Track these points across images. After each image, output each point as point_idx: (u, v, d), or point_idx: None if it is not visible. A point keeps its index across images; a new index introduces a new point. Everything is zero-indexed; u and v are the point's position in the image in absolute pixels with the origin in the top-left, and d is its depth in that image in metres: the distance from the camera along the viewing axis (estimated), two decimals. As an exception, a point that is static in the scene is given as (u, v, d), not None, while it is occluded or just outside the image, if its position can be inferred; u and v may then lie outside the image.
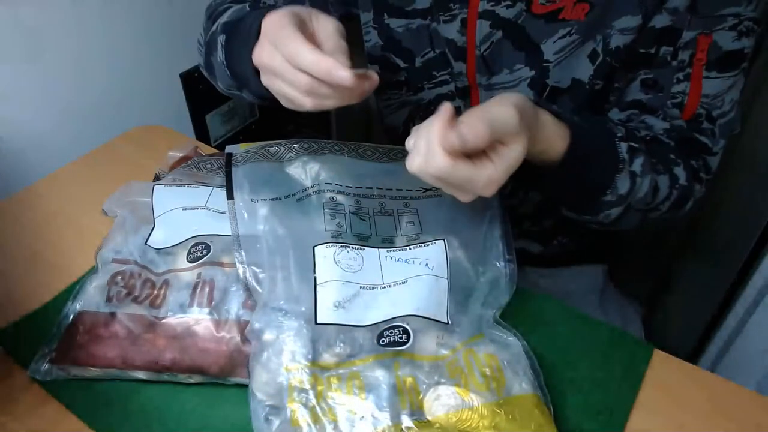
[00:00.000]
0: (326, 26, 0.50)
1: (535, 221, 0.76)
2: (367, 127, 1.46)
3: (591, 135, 0.57)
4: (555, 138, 0.53)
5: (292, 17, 0.49)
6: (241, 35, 0.56)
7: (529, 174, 0.55)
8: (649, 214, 0.63)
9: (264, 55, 0.49)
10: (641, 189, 0.58)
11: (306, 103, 0.49)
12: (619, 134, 0.59)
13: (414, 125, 0.48)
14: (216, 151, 0.77)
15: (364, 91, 0.49)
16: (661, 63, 0.61)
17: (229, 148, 0.60)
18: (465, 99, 0.75)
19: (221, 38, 0.61)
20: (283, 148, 0.59)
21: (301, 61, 0.46)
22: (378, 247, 0.55)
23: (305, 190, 0.57)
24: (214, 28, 0.64)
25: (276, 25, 0.49)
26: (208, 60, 0.66)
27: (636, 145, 0.59)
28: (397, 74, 0.76)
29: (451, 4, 0.65)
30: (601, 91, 0.64)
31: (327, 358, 0.49)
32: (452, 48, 0.68)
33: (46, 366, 0.53)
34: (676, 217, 0.65)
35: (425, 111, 0.77)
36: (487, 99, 0.72)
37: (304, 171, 0.58)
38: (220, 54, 0.61)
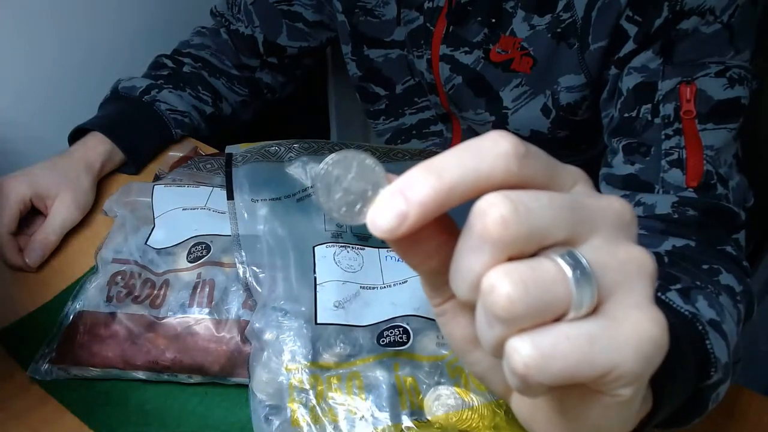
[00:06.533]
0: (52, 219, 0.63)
1: None
2: (366, 128, 1.46)
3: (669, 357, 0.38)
4: None
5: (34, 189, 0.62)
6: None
7: None
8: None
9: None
10: (733, 333, 0.44)
11: None
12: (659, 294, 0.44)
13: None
14: (216, 151, 0.77)
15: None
16: (644, 124, 0.54)
17: (229, 148, 0.60)
18: (446, 124, 0.76)
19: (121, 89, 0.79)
20: (283, 148, 0.59)
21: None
22: (378, 247, 0.55)
23: (305, 190, 0.57)
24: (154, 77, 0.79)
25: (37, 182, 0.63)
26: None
27: (680, 285, 0.45)
28: (377, 103, 0.78)
29: (422, 41, 0.67)
30: (570, 138, 0.64)
31: (327, 358, 0.49)
32: (425, 81, 0.69)
33: (46, 366, 0.53)
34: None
35: (407, 135, 0.78)
36: (465, 127, 0.73)
37: (304, 171, 0.58)
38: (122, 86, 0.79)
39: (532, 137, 0.64)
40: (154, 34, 1.24)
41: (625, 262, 0.20)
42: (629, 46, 0.54)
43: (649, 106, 0.54)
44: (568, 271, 0.19)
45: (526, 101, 0.62)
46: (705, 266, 0.49)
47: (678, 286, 0.45)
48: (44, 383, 0.53)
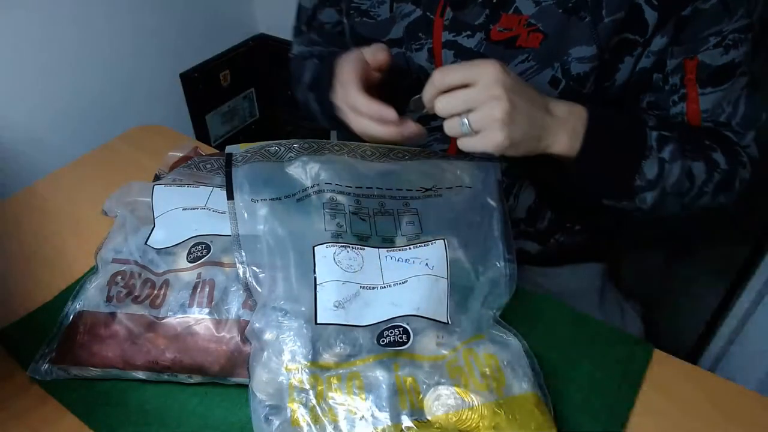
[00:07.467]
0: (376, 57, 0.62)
1: (530, 223, 0.77)
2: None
3: (613, 120, 0.59)
4: (573, 114, 0.56)
5: (355, 62, 0.60)
6: (322, 80, 0.67)
7: (557, 171, 0.59)
8: (694, 201, 0.63)
9: (335, 96, 0.61)
10: (671, 174, 0.59)
11: (368, 135, 0.59)
12: (651, 123, 0.60)
13: None
14: (216, 151, 0.77)
15: (408, 136, 0.58)
16: (656, 88, 0.64)
17: (229, 148, 0.60)
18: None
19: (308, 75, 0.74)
20: (283, 148, 0.59)
21: (356, 105, 0.58)
22: (378, 247, 0.55)
23: (305, 190, 0.57)
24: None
25: (341, 70, 0.60)
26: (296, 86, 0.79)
27: (668, 134, 0.60)
28: None
29: (420, 34, 0.68)
30: None
31: (327, 358, 0.49)
32: (424, 75, 0.70)
33: (46, 366, 0.53)
34: (728, 202, 0.66)
35: None
36: None
37: (304, 171, 0.58)
38: (306, 83, 0.74)
39: None
40: (154, 33, 1.24)
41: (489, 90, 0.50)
42: (650, 29, 0.59)
43: (660, 75, 0.63)
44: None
45: (532, 76, 0.63)
46: (707, 142, 0.62)
47: (664, 133, 0.59)
48: (44, 383, 0.54)
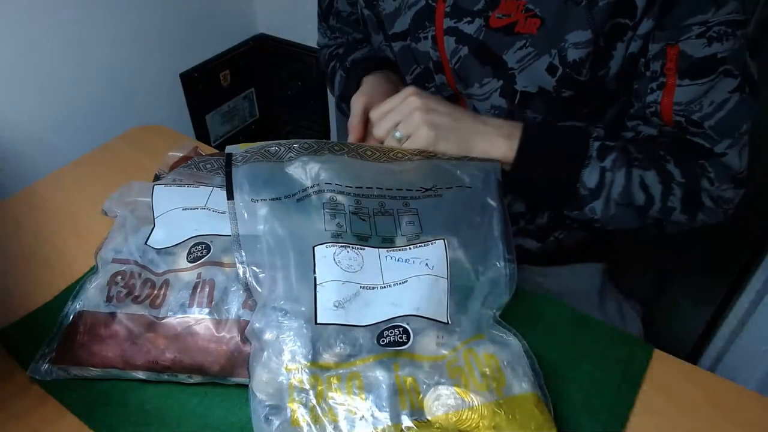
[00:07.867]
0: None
1: (530, 219, 0.77)
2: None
3: (552, 129, 0.64)
4: (507, 124, 0.62)
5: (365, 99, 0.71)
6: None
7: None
8: (664, 216, 0.62)
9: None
10: (615, 184, 0.61)
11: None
12: (595, 134, 0.63)
13: None
14: (216, 151, 0.77)
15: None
16: (639, 74, 0.63)
17: (229, 148, 0.60)
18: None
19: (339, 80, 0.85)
20: (283, 148, 0.59)
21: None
22: (378, 247, 0.55)
23: (305, 190, 0.57)
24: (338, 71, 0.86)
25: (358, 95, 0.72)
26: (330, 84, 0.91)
27: (611, 144, 0.62)
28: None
29: (426, 22, 0.69)
30: (576, 98, 0.65)
31: (327, 358, 0.49)
32: (431, 62, 0.71)
33: (46, 366, 0.53)
34: (714, 221, 0.64)
35: None
36: (471, 107, 0.75)
37: (304, 171, 0.58)
38: (337, 94, 0.88)
39: (540, 94, 0.66)
40: (155, 33, 1.24)
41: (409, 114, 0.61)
42: (639, 12, 0.58)
43: (643, 60, 0.62)
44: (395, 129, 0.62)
45: (530, 62, 0.64)
46: (661, 152, 0.63)
47: (607, 143, 0.62)
48: (44, 383, 0.54)
